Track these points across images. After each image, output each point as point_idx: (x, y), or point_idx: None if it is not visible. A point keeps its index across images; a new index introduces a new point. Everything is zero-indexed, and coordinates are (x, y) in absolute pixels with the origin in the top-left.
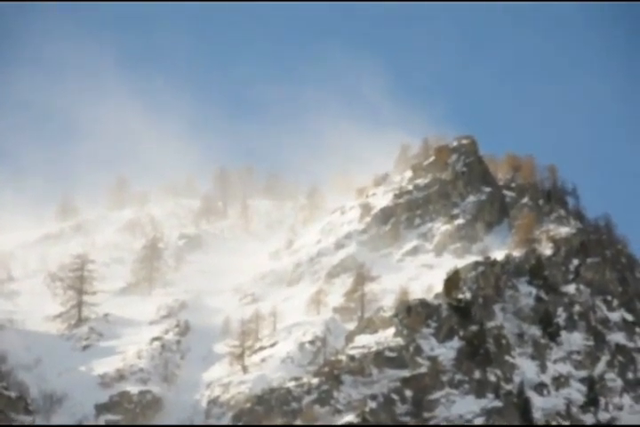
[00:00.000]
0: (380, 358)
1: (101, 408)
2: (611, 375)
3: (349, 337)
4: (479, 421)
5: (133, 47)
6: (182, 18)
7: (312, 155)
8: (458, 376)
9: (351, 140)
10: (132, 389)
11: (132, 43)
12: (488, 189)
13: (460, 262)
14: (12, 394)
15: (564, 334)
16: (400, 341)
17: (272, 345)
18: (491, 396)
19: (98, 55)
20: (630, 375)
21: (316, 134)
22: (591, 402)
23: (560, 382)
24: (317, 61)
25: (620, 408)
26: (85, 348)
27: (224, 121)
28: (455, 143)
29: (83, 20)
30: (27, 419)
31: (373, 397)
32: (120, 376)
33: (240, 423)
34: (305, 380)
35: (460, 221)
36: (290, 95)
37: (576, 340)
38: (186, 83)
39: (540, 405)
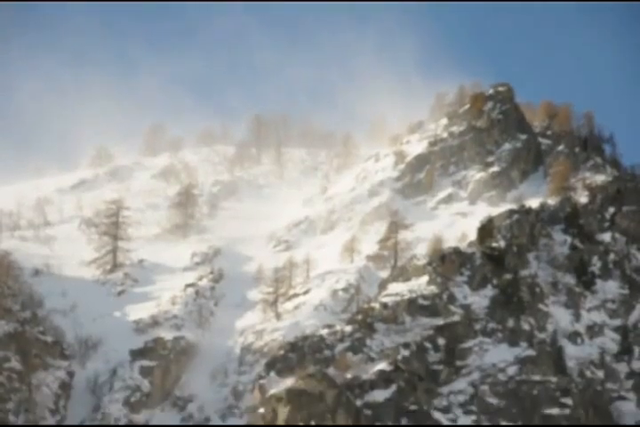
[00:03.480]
0: (413, 306)
1: (136, 354)
2: None
3: (382, 285)
4: (512, 369)
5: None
6: None
7: (347, 102)
8: (491, 325)
9: (386, 87)
10: (167, 335)
11: None
12: (524, 137)
13: (495, 210)
14: (49, 339)
15: (598, 282)
16: (433, 289)
17: (305, 292)
18: (524, 344)
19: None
20: None
21: (350, 81)
22: (625, 351)
23: (594, 330)
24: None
25: None
26: (120, 293)
27: (259, 68)
28: (491, 91)
29: None
30: (63, 364)
31: (406, 345)
32: (154, 322)
33: (273, 371)
34: (338, 327)
35: (495, 168)
36: (320, 41)
37: (611, 288)
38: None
39: (574, 354)
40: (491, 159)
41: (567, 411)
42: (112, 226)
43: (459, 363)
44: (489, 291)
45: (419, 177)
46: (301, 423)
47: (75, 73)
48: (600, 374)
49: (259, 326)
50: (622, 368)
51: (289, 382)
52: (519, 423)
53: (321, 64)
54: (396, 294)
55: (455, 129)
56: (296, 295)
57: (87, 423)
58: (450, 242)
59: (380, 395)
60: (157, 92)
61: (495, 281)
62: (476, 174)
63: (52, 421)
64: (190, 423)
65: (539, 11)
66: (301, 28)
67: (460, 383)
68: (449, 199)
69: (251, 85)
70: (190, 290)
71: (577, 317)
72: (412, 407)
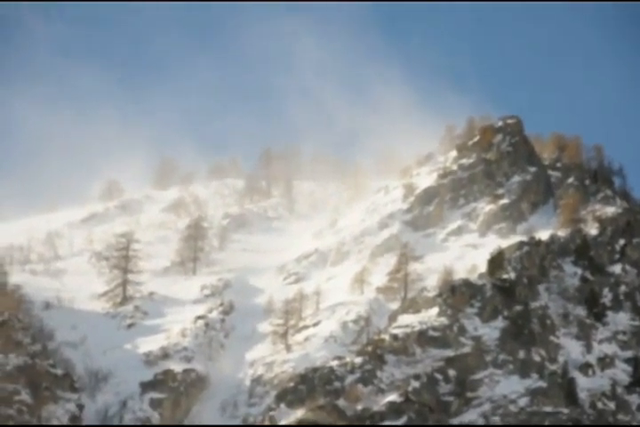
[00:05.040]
0: (424, 338)
1: (146, 386)
2: None
3: (393, 317)
4: (523, 401)
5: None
6: None
7: (356, 135)
8: (502, 356)
9: (396, 120)
10: (177, 367)
11: None
12: (533, 169)
13: (505, 242)
14: (59, 371)
15: (609, 314)
16: (444, 320)
17: (315, 324)
18: (535, 376)
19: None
20: None
21: (360, 115)
22: (637, 382)
23: (605, 362)
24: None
25: None
26: (130, 326)
27: (268, 102)
28: (500, 123)
29: None
30: (73, 396)
31: (416, 376)
32: (164, 354)
33: (283, 403)
34: (348, 359)
35: (505, 200)
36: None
37: (622, 320)
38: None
39: (585, 385)
40: (500, 191)
41: None
42: (122, 259)
43: (469, 394)
44: (499, 322)
45: (428, 209)
46: None
47: (84, 107)
48: (612, 405)
49: (269, 358)
50: (634, 400)
51: (299, 413)
52: None
53: (329, 96)
54: (407, 326)
55: (465, 161)
56: (306, 327)
57: None
58: (460, 274)
59: None
60: (168, 125)
61: (506, 313)
62: (485, 206)
63: None
64: None
65: (551, 44)
66: (309, 57)
67: (471, 415)
68: (459, 231)
69: (259, 115)
70: (200, 322)
71: (588, 348)
72: None
